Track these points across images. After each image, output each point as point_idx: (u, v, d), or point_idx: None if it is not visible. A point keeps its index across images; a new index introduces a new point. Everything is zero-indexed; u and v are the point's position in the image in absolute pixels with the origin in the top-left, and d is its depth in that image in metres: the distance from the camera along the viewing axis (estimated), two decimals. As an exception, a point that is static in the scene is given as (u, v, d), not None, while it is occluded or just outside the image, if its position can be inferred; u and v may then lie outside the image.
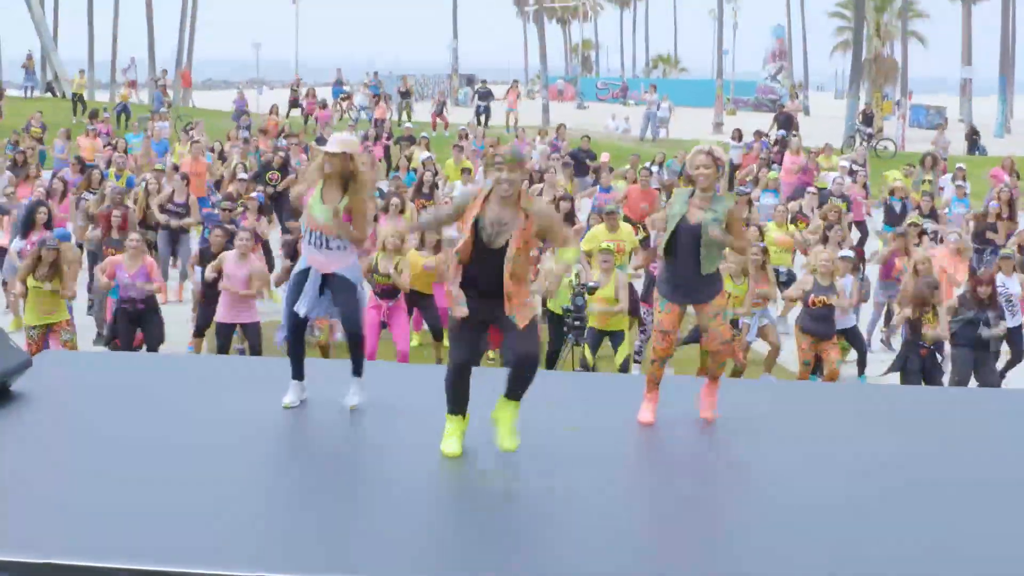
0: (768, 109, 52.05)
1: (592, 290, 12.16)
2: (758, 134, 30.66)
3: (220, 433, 7.26)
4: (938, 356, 11.95)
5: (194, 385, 8.45)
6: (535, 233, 6.77)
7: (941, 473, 6.78)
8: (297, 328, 7.81)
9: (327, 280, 7.66)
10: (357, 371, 7.89)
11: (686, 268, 7.47)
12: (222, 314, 12.48)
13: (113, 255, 13.32)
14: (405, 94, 40.15)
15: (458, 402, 6.98)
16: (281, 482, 6.61)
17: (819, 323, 12.16)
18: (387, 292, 12.61)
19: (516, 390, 6.86)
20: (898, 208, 18.73)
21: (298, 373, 7.92)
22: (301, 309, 7.65)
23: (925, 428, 7.66)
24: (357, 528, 5.89)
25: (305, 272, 7.72)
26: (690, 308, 7.71)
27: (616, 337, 12.38)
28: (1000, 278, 12.76)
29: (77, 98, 38.18)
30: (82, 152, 23.23)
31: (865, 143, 34.76)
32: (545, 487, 6.42)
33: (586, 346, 12.35)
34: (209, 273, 12.60)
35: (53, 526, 5.73)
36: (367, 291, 8.06)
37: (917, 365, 11.74)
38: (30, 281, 11.98)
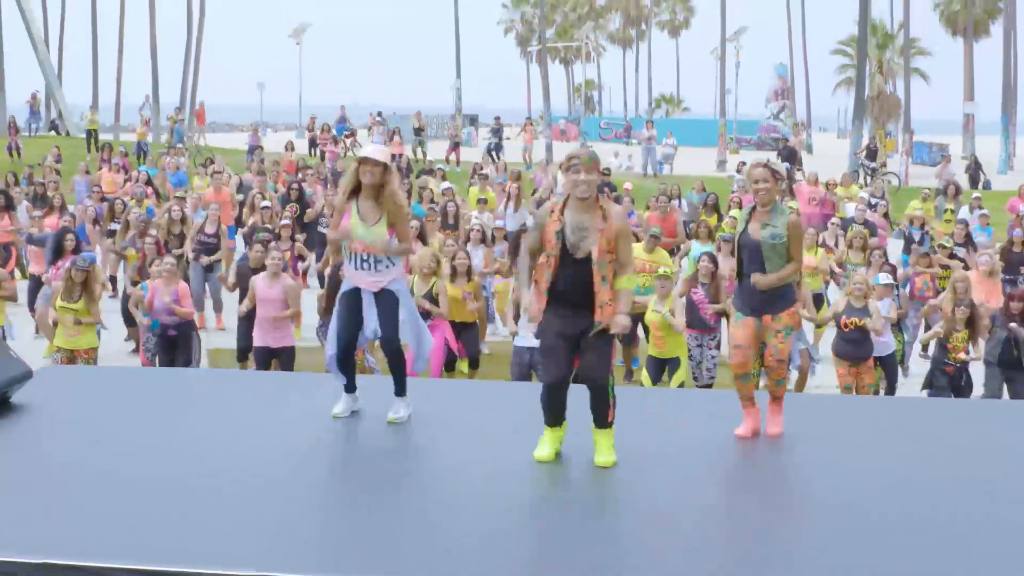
0: (771, 148, 52.68)
1: None
2: (763, 167, 31.35)
3: (227, 441, 7.37)
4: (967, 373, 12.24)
5: (205, 396, 8.55)
6: (614, 235, 6.83)
7: (964, 479, 6.88)
8: (350, 350, 7.93)
9: (375, 298, 7.79)
10: (400, 390, 7.98)
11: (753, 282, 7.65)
12: (259, 337, 12.35)
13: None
14: (419, 131, 40.80)
15: (554, 416, 7.10)
16: (282, 485, 6.60)
17: (853, 346, 12.06)
18: (421, 316, 12.58)
19: (596, 419, 7.06)
20: (917, 237, 19.09)
21: (350, 385, 8.01)
22: (370, 333, 7.84)
23: (949, 439, 7.80)
24: (370, 531, 5.95)
25: (355, 293, 7.83)
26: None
27: (673, 363, 12.39)
28: None
29: (91, 135, 38.85)
30: (103, 185, 23.87)
31: (869, 178, 35.45)
32: (569, 496, 6.63)
33: (644, 373, 12.55)
34: (242, 309, 12.71)
35: (53, 528, 5.79)
36: (412, 305, 8.13)
37: (944, 382, 12.11)
38: (59, 303, 12.18)
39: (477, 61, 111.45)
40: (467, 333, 13.03)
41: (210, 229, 17.08)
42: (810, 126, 63.23)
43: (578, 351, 6.94)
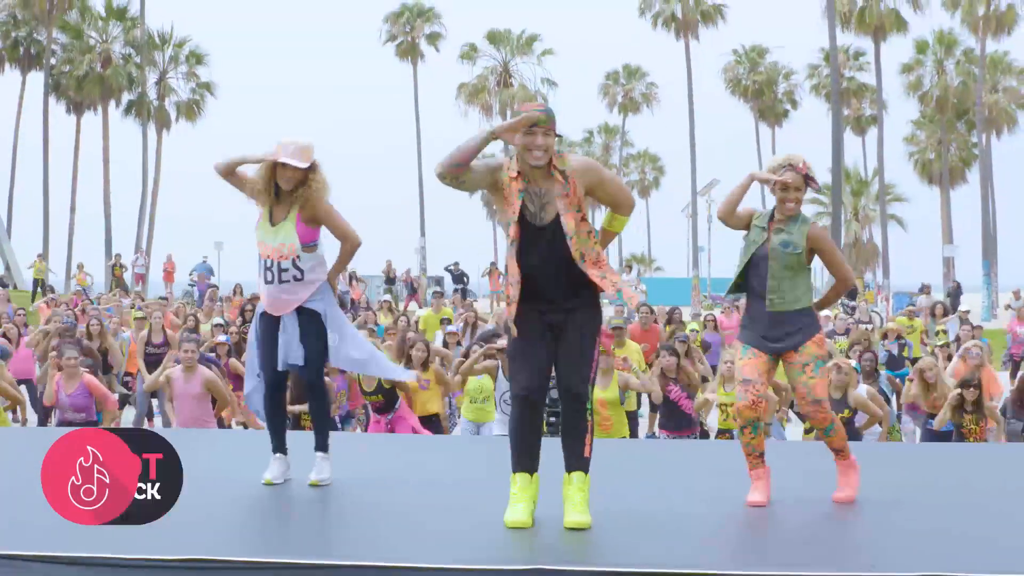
0: (747, 304, 53.10)
1: None
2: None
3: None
4: None
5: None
6: (585, 192, 6.00)
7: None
8: (276, 388, 6.91)
9: (289, 320, 6.72)
10: (321, 444, 6.90)
11: (762, 305, 6.52)
12: (179, 423, 11.95)
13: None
14: (391, 280, 40.52)
15: (523, 453, 6.01)
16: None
17: None
18: (382, 408, 12.00)
19: (569, 454, 6.03)
20: (895, 351, 19.20)
21: (280, 444, 6.96)
22: (281, 364, 6.74)
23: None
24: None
25: (268, 316, 6.80)
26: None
27: None
28: None
29: (38, 284, 38.55)
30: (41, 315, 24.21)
31: (849, 317, 35.70)
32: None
33: None
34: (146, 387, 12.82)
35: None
36: (351, 328, 7.04)
37: None
38: None
39: (443, 222, 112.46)
40: (430, 424, 12.66)
41: (157, 339, 16.89)
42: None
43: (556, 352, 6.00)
